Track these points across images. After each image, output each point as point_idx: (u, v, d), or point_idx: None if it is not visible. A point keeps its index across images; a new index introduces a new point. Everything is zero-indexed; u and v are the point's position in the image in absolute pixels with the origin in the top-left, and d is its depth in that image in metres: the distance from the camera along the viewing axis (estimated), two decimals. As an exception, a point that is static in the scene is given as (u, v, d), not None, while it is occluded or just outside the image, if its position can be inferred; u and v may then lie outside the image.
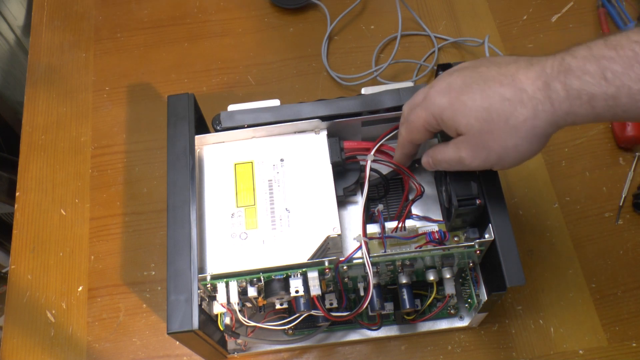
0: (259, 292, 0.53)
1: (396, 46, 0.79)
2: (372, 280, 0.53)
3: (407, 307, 0.57)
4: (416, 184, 0.59)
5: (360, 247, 0.53)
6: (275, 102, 0.60)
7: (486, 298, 0.55)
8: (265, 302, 0.55)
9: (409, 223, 0.57)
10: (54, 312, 0.68)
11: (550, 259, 0.68)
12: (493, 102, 0.45)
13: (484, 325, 0.65)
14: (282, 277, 0.53)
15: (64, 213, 0.74)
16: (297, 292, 0.52)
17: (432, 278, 0.57)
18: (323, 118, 0.58)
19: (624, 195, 0.71)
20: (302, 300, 0.53)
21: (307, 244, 0.54)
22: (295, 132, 0.60)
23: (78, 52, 0.84)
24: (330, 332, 0.63)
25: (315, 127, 0.59)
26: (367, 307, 0.54)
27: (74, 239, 0.72)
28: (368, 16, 0.85)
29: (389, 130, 0.59)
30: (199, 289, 0.51)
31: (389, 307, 0.60)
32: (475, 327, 0.64)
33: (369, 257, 0.52)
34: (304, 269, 0.53)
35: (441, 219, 0.59)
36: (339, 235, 0.54)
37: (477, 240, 0.53)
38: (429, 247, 0.55)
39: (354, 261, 0.53)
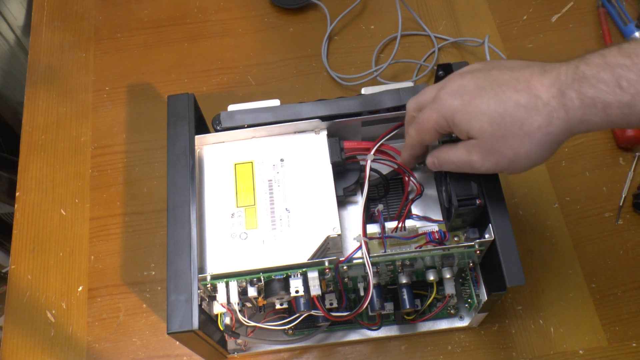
0: (259, 292, 0.53)
1: (396, 46, 0.79)
2: (372, 280, 0.53)
3: (407, 307, 0.57)
4: (416, 184, 0.59)
5: (360, 247, 0.53)
6: (275, 102, 0.60)
7: (486, 298, 0.55)
8: (265, 302, 0.55)
9: (409, 223, 0.57)
10: (54, 312, 0.68)
11: (550, 259, 0.68)
12: (507, 107, 0.45)
13: (484, 325, 0.65)
14: (282, 277, 0.53)
15: (64, 213, 0.74)
16: (297, 292, 0.52)
17: (432, 278, 0.57)
18: (323, 118, 0.58)
19: (624, 195, 0.71)
20: (302, 300, 0.53)
21: (307, 244, 0.54)
22: (295, 132, 0.60)
23: (78, 52, 0.84)
24: (330, 332, 0.63)
25: (315, 127, 0.59)
26: (367, 307, 0.54)
27: (74, 239, 0.72)
28: (368, 16, 0.85)
29: (389, 130, 0.59)
30: (199, 289, 0.51)
31: (389, 307, 0.60)
32: (475, 327, 0.64)
33: (369, 257, 0.52)
34: (304, 269, 0.53)
35: (441, 219, 0.59)
36: (339, 235, 0.54)
37: (477, 240, 0.53)
38: (429, 247, 0.55)
39: (354, 261, 0.53)
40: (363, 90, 0.60)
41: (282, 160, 0.58)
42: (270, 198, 0.56)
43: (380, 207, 0.56)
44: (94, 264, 0.71)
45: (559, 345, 0.64)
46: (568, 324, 0.65)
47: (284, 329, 0.61)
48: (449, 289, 0.59)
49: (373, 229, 0.56)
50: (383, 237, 0.56)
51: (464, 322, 0.63)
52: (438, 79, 0.61)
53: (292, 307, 0.54)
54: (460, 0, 0.85)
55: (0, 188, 0.85)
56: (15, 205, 0.74)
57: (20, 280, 0.70)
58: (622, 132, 0.72)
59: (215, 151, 0.59)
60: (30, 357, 0.66)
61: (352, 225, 0.59)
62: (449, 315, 0.63)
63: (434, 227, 0.58)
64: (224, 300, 0.53)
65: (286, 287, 0.53)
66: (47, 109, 0.80)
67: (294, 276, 0.53)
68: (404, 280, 0.56)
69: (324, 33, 0.83)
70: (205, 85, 0.81)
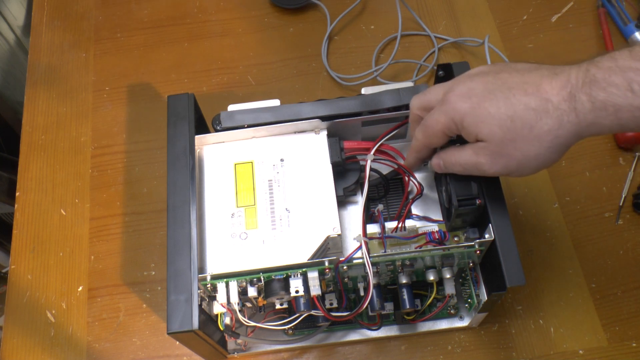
0: (259, 292, 0.53)
1: (396, 46, 0.79)
2: (372, 280, 0.53)
3: (407, 307, 0.57)
4: (416, 184, 0.59)
5: (360, 247, 0.53)
6: (275, 102, 0.60)
7: (486, 298, 0.55)
8: (265, 302, 0.55)
9: (409, 223, 0.57)
10: (54, 312, 0.68)
11: (550, 259, 0.68)
12: (517, 110, 0.45)
13: (484, 325, 0.65)
14: (282, 277, 0.53)
15: (64, 213, 0.74)
16: (297, 292, 0.52)
17: (432, 278, 0.57)
18: (323, 118, 0.58)
19: (624, 195, 0.71)
20: (302, 300, 0.53)
21: (307, 244, 0.54)
22: (295, 132, 0.60)
23: (78, 52, 0.84)
24: (330, 332, 0.63)
25: (315, 127, 0.59)
26: (367, 307, 0.54)
27: (74, 239, 0.72)
28: (368, 16, 0.85)
29: (389, 130, 0.59)
30: (199, 289, 0.51)
31: (389, 307, 0.60)
32: (475, 327, 0.64)
33: (369, 257, 0.52)
34: (304, 269, 0.53)
35: (441, 219, 0.59)
36: (339, 235, 0.54)
37: (477, 240, 0.53)
38: (429, 247, 0.55)
39: (354, 261, 0.53)
40: (363, 90, 0.60)
41: (282, 160, 0.58)
42: (270, 198, 0.56)
43: (380, 207, 0.56)
44: (94, 264, 0.71)
45: (559, 345, 0.64)
46: (568, 324, 0.65)
47: (284, 329, 0.61)
48: (449, 289, 0.59)
49: (373, 229, 0.56)
50: (383, 237, 0.56)
51: (464, 322, 0.63)
52: (438, 79, 0.61)
53: (292, 307, 0.54)
54: (460, 0, 0.85)
55: (0, 188, 0.85)
56: (15, 205, 0.74)
57: (20, 280, 0.70)
58: (622, 133, 0.72)
59: (215, 151, 0.59)
60: (30, 357, 0.66)
61: (352, 225, 0.59)
62: (449, 315, 0.63)
63: (434, 227, 0.58)
64: (224, 300, 0.53)
65: (286, 287, 0.53)
66: (47, 109, 0.80)
67: (294, 276, 0.53)
68: (404, 280, 0.56)
69: (324, 33, 0.83)
70: (205, 85, 0.81)
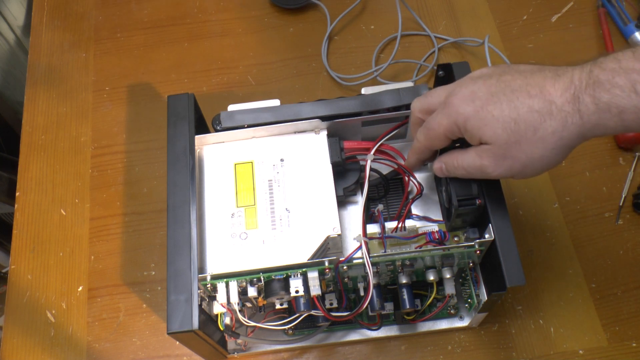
0: (259, 292, 0.53)
1: (396, 46, 0.79)
2: (372, 280, 0.53)
3: (407, 307, 0.57)
4: (416, 184, 0.59)
5: (360, 247, 0.53)
6: (275, 102, 0.60)
7: (486, 298, 0.55)
8: (265, 302, 0.55)
9: (409, 223, 0.57)
10: (54, 312, 0.68)
11: (550, 259, 0.68)
12: (521, 113, 0.45)
13: (484, 325, 0.65)
14: (282, 277, 0.53)
15: (64, 213, 0.74)
16: (297, 292, 0.52)
17: (432, 278, 0.57)
18: (323, 118, 0.58)
19: (624, 195, 0.71)
20: (302, 300, 0.53)
21: (307, 244, 0.54)
22: (295, 132, 0.60)
23: (78, 52, 0.84)
24: (330, 332, 0.63)
25: (315, 127, 0.59)
26: (367, 307, 0.54)
27: (74, 239, 0.72)
28: (368, 16, 0.85)
29: (389, 130, 0.59)
30: (199, 289, 0.51)
31: (389, 307, 0.60)
32: (475, 327, 0.64)
33: (369, 257, 0.52)
34: (304, 269, 0.53)
35: (441, 219, 0.59)
36: (339, 235, 0.54)
37: (477, 240, 0.53)
38: (429, 247, 0.55)
39: (354, 261, 0.53)
40: (363, 90, 0.60)
41: (282, 160, 0.58)
42: (270, 198, 0.56)
43: (380, 207, 0.56)
44: (94, 264, 0.71)
45: (559, 345, 0.64)
46: (568, 324, 0.65)
47: (284, 329, 0.61)
48: (449, 289, 0.59)
49: (373, 229, 0.56)
50: (383, 237, 0.56)
51: (464, 322, 0.63)
52: (438, 79, 0.61)
53: (292, 307, 0.54)
54: (460, 0, 0.85)
55: (0, 188, 0.85)
56: (15, 205, 0.74)
57: (20, 280, 0.70)
58: (626, 133, 0.72)
59: (215, 151, 0.59)
60: (30, 357, 0.66)
61: (352, 225, 0.59)
62: (449, 315, 0.63)
63: (434, 227, 0.58)
64: (224, 300, 0.53)
65: (286, 287, 0.53)
66: (47, 109, 0.80)
67: (294, 276, 0.53)
68: (404, 280, 0.56)
69: (324, 33, 0.83)
70: (205, 85, 0.81)
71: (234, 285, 0.52)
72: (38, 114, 0.80)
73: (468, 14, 0.84)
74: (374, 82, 0.79)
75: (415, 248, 0.56)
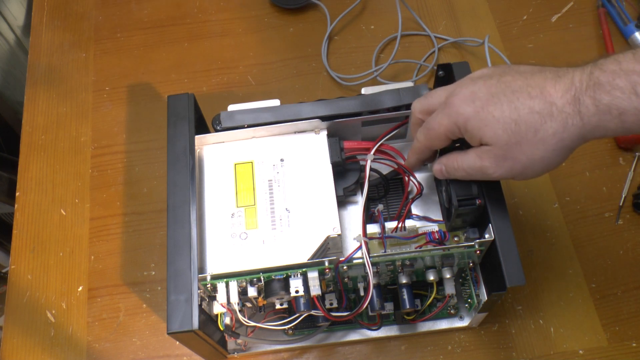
0: (259, 292, 0.53)
1: (396, 46, 0.79)
2: (372, 280, 0.53)
3: (407, 307, 0.57)
4: (416, 184, 0.59)
5: (360, 247, 0.53)
6: (275, 102, 0.60)
7: (486, 298, 0.55)
8: (265, 302, 0.55)
9: (409, 223, 0.57)
10: (54, 312, 0.68)
11: (550, 259, 0.68)
12: (522, 114, 0.45)
13: (484, 325, 0.65)
14: (282, 277, 0.53)
15: (64, 213, 0.74)
16: (297, 292, 0.52)
17: (432, 278, 0.57)
18: (323, 118, 0.58)
19: (624, 195, 0.71)
20: (302, 300, 0.53)
21: (307, 244, 0.54)
22: (295, 132, 0.60)
23: (78, 52, 0.84)
24: (330, 332, 0.63)
25: (315, 127, 0.59)
26: (367, 307, 0.54)
27: (74, 239, 0.72)
28: (368, 16, 0.85)
29: (389, 130, 0.59)
30: (199, 289, 0.51)
31: (389, 307, 0.60)
32: (475, 327, 0.64)
33: (369, 257, 0.52)
34: (304, 269, 0.53)
35: (441, 219, 0.59)
36: (339, 235, 0.54)
37: (477, 240, 0.53)
38: (429, 247, 0.55)
39: (354, 261, 0.53)
40: (363, 90, 0.60)
41: (282, 160, 0.58)
42: (270, 198, 0.56)
43: (380, 207, 0.56)
44: (94, 264, 0.71)
45: (559, 345, 0.64)
46: (568, 324, 0.65)
47: (284, 329, 0.61)
48: (449, 289, 0.59)
49: (373, 229, 0.56)
50: (383, 237, 0.56)
51: (464, 322, 0.63)
52: (438, 79, 0.61)
53: (292, 307, 0.54)
54: (460, 0, 0.85)
55: (0, 188, 0.85)
56: (15, 205, 0.74)
57: (20, 280, 0.70)
58: (627, 135, 0.72)
59: (215, 151, 0.59)
60: (30, 357, 0.66)
61: (352, 225, 0.59)
62: (449, 315, 0.63)
63: (434, 227, 0.58)
64: (224, 300, 0.53)
65: (286, 287, 0.53)
66: (47, 109, 0.80)
67: (294, 276, 0.53)
68: (404, 280, 0.56)
69: (324, 33, 0.83)
70: (205, 85, 0.81)
71: (234, 285, 0.52)
72: (38, 114, 0.80)
73: (468, 14, 0.84)
74: (374, 82, 0.79)
75: (415, 248, 0.56)
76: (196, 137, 0.58)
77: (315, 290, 0.52)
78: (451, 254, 0.54)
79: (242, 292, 0.53)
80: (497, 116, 0.46)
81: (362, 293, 0.56)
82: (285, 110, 0.59)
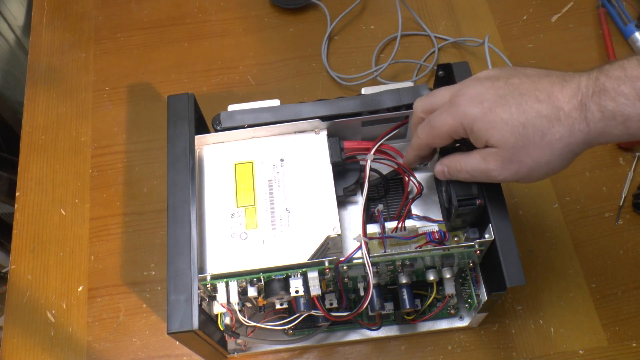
0: (259, 292, 0.53)
1: (396, 46, 0.79)
2: (372, 280, 0.53)
3: (407, 307, 0.57)
4: (416, 184, 0.59)
5: (360, 247, 0.53)
6: (275, 102, 0.60)
7: (486, 298, 0.55)
8: (265, 302, 0.55)
9: (409, 223, 0.57)
10: (54, 312, 0.68)
11: (550, 259, 0.68)
12: (530, 117, 0.45)
13: (484, 325, 0.65)
14: (282, 277, 0.53)
15: (64, 213, 0.74)
16: (297, 292, 0.52)
17: (432, 278, 0.57)
18: (323, 118, 0.58)
19: (624, 195, 0.71)
20: (302, 300, 0.53)
21: (307, 244, 0.54)
22: (295, 132, 0.60)
23: (78, 52, 0.84)
24: (330, 332, 0.63)
25: (315, 127, 0.59)
26: (367, 307, 0.54)
27: (74, 239, 0.72)
28: (368, 16, 0.85)
29: (389, 130, 0.59)
30: (199, 289, 0.51)
31: (389, 307, 0.60)
32: (475, 327, 0.64)
33: (369, 257, 0.52)
34: (304, 269, 0.53)
35: (441, 219, 0.59)
36: (339, 235, 0.54)
37: (477, 240, 0.53)
38: (429, 247, 0.55)
39: (354, 261, 0.53)
40: (363, 90, 0.60)
41: (282, 160, 0.58)
42: (270, 198, 0.56)
43: (380, 207, 0.56)
44: (94, 264, 0.71)
45: (559, 345, 0.64)
46: (568, 324, 0.65)
47: (284, 329, 0.61)
48: (449, 289, 0.59)
49: (373, 229, 0.56)
50: (383, 237, 0.56)
51: (464, 322, 0.63)
52: (438, 79, 0.61)
53: (292, 307, 0.54)
54: (460, 0, 0.85)
55: (0, 188, 0.85)
56: (15, 205, 0.74)
57: (20, 280, 0.70)
58: (631, 141, 0.72)
59: (215, 151, 0.59)
60: (30, 357, 0.66)
61: (352, 225, 0.59)
62: (449, 315, 0.63)
63: (434, 227, 0.58)
64: (224, 300, 0.53)
65: (286, 287, 0.53)
66: (47, 109, 0.80)
67: (294, 276, 0.53)
68: (404, 280, 0.56)
69: (324, 33, 0.83)
70: (205, 85, 0.81)
71: (234, 285, 0.52)
72: (38, 114, 0.80)
73: (468, 14, 0.84)
74: (374, 82, 0.79)
75: (415, 248, 0.56)
76: (196, 137, 0.58)
77: (315, 290, 0.52)
78: (451, 254, 0.54)
79: (242, 292, 0.53)
80: (505, 118, 0.45)
81: (362, 293, 0.56)
82: (285, 110, 0.59)
